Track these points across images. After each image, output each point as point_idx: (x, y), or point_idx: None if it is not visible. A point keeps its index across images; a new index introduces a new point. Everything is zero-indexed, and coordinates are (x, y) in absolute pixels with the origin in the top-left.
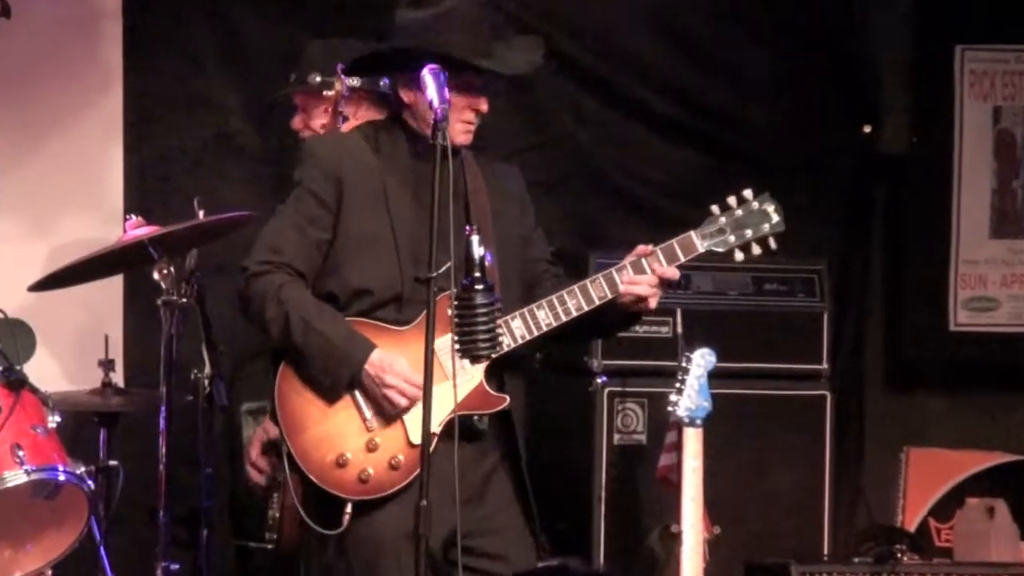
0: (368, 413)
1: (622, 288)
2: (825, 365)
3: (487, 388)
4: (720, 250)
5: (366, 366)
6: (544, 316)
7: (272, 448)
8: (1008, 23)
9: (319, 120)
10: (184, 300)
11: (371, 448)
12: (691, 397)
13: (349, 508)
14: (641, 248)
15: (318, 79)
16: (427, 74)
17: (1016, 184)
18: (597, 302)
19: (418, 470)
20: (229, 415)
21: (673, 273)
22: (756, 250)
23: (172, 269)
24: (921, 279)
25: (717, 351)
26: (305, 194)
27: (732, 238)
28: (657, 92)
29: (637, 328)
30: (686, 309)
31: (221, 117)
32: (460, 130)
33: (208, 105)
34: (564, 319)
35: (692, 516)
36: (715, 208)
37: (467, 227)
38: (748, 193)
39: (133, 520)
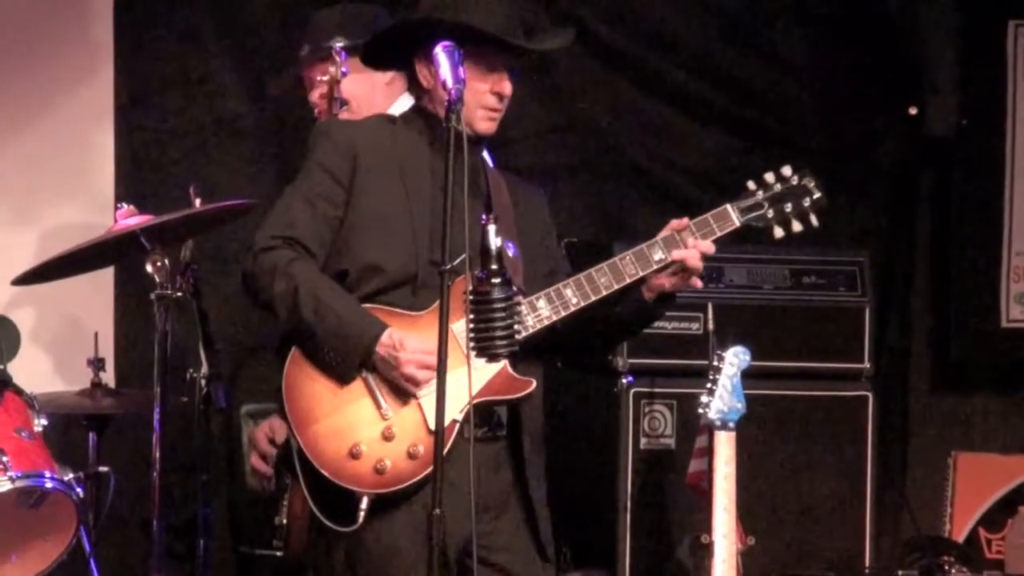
0: (383, 400)
1: (676, 255)
2: (867, 364)
3: (511, 372)
4: (759, 225)
5: (377, 347)
6: (571, 295)
7: (277, 450)
8: None
9: (349, 89)
10: (179, 294)
11: (387, 437)
12: (723, 398)
13: (365, 503)
14: (675, 222)
15: (342, 44)
16: (440, 51)
17: None
18: (628, 280)
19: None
20: (227, 418)
21: (709, 247)
22: (797, 227)
23: (166, 261)
24: (970, 272)
25: (751, 349)
26: (317, 170)
27: (771, 213)
28: (689, 72)
29: (666, 324)
30: (718, 303)
31: (219, 98)
32: (481, 116)
33: (205, 85)
34: (593, 298)
35: (724, 526)
36: (751, 184)
37: (484, 216)
38: (787, 170)
39: (125, 530)
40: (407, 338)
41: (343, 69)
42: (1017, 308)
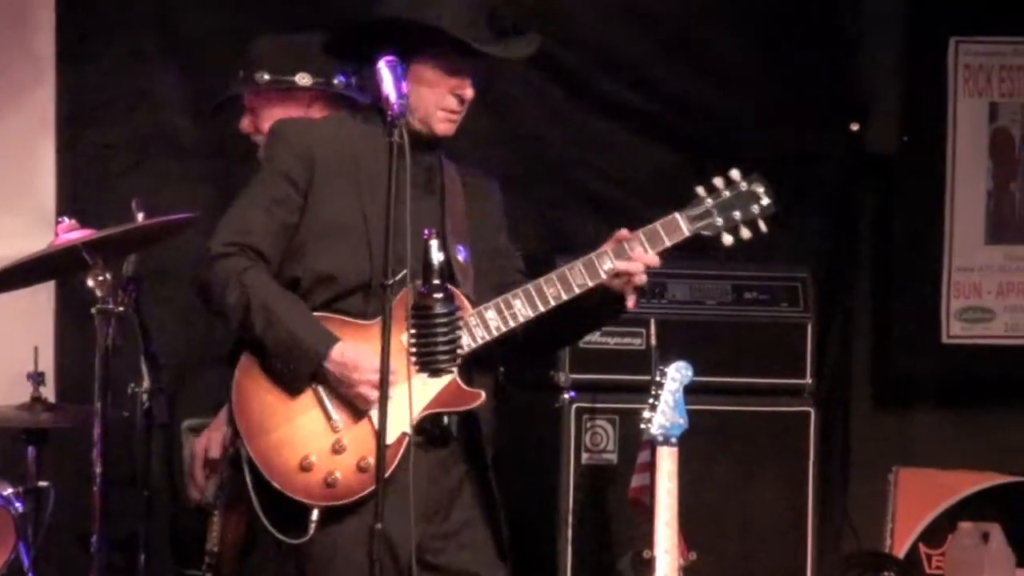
0: (333, 412)
1: (620, 266)
2: (809, 380)
3: (460, 384)
4: (708, 234)
5: (327, 363)
6: (520, 306)
7: (213, 466)
8: (1005, 14)
9: (269, 124)
10: (121, 309)
11: (337, 450)
12: (665, 413)
13: (315, 515)
14: (622, 232)
15: (267, 77)
16: (383, 66)
17: (1014, 186)
18: (577, 290)
19: (391, 468)
20: (169, 433)
21: (655, 259)
22: (746, 234)
23: (108, 275)
24: (912, 288)
25: (694, 364)
26: (274, 174)
27: (720, 220)
28: (631, 85)
29: (608, 340)
30: (661, 319)
31: (163, 112)
32: (441, 118)
33: (148, 99)
34: (542, 309)
35: (666, 541)
36: (700, 190)
37: (426, 231)
38: (735, 173)
39: (65, 546)
40: (361, 356)
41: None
42: (958, 324)
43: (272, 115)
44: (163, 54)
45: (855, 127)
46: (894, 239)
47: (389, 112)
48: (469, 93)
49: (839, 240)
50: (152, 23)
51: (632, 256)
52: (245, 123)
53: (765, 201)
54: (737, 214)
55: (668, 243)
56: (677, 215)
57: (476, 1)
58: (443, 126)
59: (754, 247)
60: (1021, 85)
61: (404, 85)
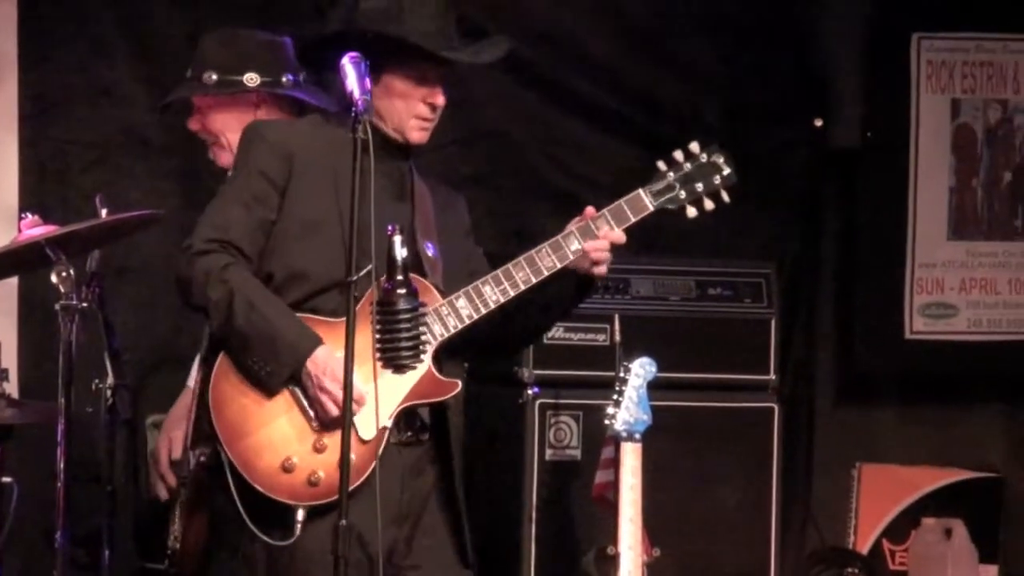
0: (313, 413)
1: (587, 246)
2: (773, 376)
3: (436, 374)
4: (672, 207)
5: (308, 362)
6: (491, 292)
7: (177, 465)
8: (968, 10)
9: (217, 124)
10: (84, 305)
11: (319, 449)
12: (629, 410)
13: (301, 515)
14: (588, 211)
15: (214, 78)
16: (347, 62)
17: (976, 182)
18: (546, 273)
19: (369, 469)
20: (133, 428)
21: (620, 237)
22: (709, 205)
23: (72, 272)
24: (875, 284)
25: (658, 360)
26: (252, 172)
27: (683, 194)
28: (595, 83)
29: (572, 335)
30: (624, 315)
31: (126, 109)
32: (414, 126)
33: (112, 96)
34: (512, 294)
35: (630, 537)
36: (662, 164)
37: (389, 227)
38: (695, 146)
39: (29, 541)
40: (338, 367)
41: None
42: (921, 320)
43: (220, 117)
44: (126, 50)
45: (818, 123)
46: (858, 235)
47: (353, 108)
48: (441, 100)
49: (803, 236)
50: (114, 19)
51: (599, 235)
52: (193, 122)
53: (726, 171)
54: (699, 186)
55: (634, 219)
56: (640, 191)
57: (442, 9)
58: (417, 134)
59: (718, 242)
60: (983, 81)
61: (368, 82)
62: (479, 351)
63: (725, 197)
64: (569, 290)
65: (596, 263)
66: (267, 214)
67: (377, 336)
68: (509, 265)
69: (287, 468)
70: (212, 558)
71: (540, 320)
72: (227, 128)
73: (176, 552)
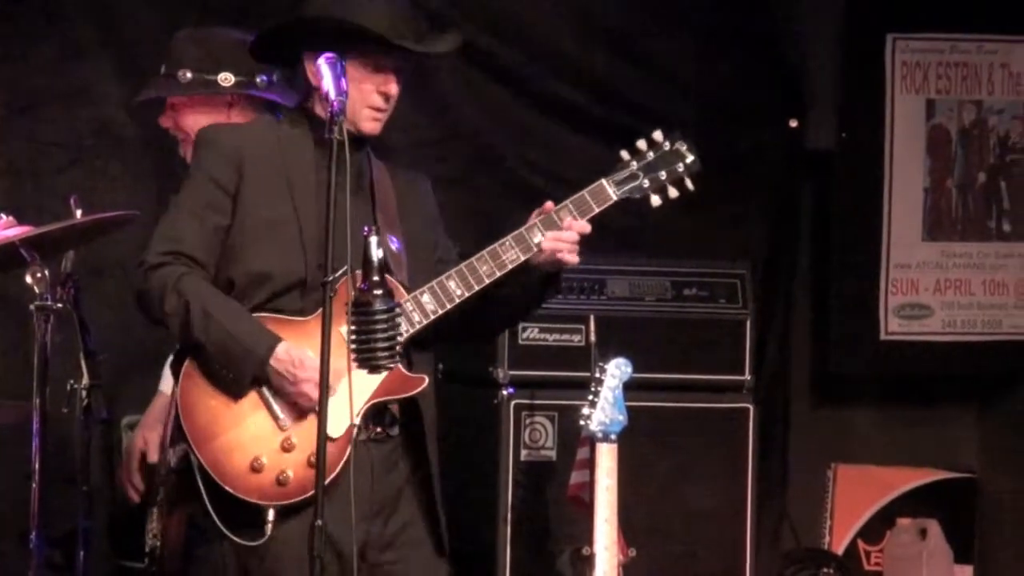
0: (279, 411)
1: (546, 244)
2: (748, 376)
3: (403, 370)
4: (636, 196)
5: (271, 362)
6: (455, 287)
7: (148, 468)
8: (942, 11)
9: (189, 122)
10: (60, 305)
11: (287, 448)
12: (605, 410)
13: (271, 515)
14: (549, 204)
15: (189, 76)
16: (323, 62)
17: (950, 183)
18: (510, 266)
19: (341, 464)
20: (108, 429)
21: (585, 227)
22: (673, 193)
23: (47, 272)
24: (850, 285)
25: (633, 361)
26: (202, 179)
27: (646, 183)
28: (570, 84)
29: (547, 336)
30: (600, 315)
31: (100, 108)
32: (367, 116)
33: (86, 95)
34: (476, 287)
35: (606, 538)
36: (624, 153)
37: (365, 228)
38: (658, 135)
39: (3, 543)
40: (305, 356)
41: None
42: (896, 321)
43: (193, 116)
44: (100, 49)
45: (793, 124)
46: (832, 236)
47: (329, 108)
48: (394, 90)
49: (778, 237)
50: (88, 17)
51: (563, 225)
52: (165, 119)
53: (689, 159)
54: (663, 174)
55: (597, 210)
56: (603, 180)
57: (399, 1)
58: (369, 124)
59: (693, 243)
60: (958, 82)
61: (344, 82)
62: (449, 342)
63: (689, 185)
64: (533, 287)
65: (560, 254)
66: (220, 220)
67: (352, 337)
68: (473, 260)
69: (256, 468)
70: (190, 559)
71: (506, 316)
72: (198, 126)
73: (156, 550)
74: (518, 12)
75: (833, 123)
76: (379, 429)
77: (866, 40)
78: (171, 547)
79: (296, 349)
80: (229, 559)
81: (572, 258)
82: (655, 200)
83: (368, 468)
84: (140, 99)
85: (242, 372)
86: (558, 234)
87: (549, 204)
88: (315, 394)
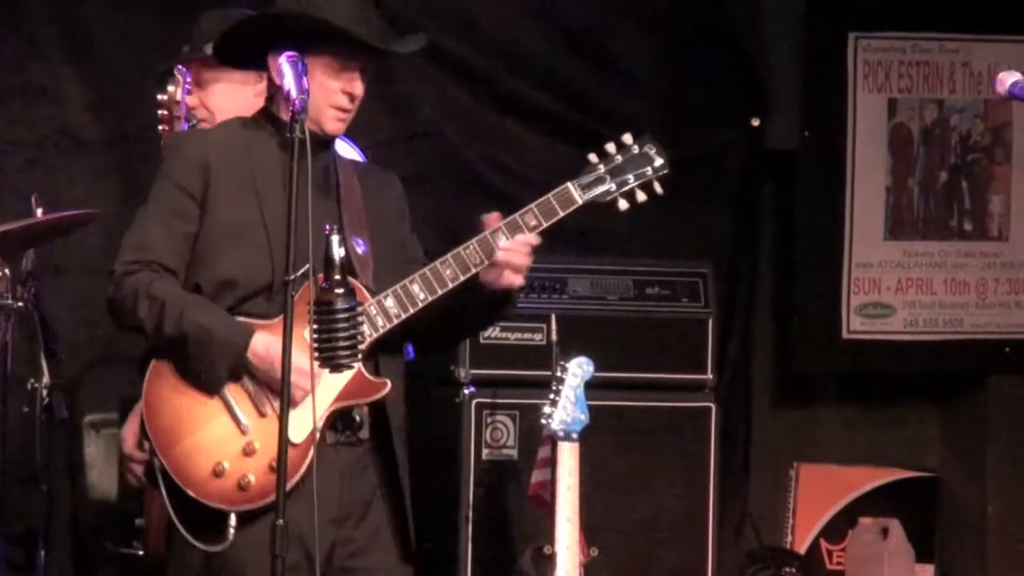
0: (241, 416)
1: (499, 255)
2: (710, 375)
3: (365, 374)
4: (603, 200)
5: (248, 353)
6: (419, 291)
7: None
8: (904, 9)
9: (216, 98)
10: (20, 304)
11: (248, 452)
12: (566, 409)
13: (233, 520)
14: (495, 215)
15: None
16: (284, 61)
17: (912, 182)
18: (474, 269)
19: (303, 469)
20: (69, 428)
21: (533, 239)
22: (641, 197)
23: (7, 271)
24: (812, 283)
25: (595, 360)
26: (169, 186)
27: (613, 186)
28: (533, 84)
29: (508, 335)
30: (561, 314)
31: (62, 108)
32: (331, 116)
33: (47, 95)
34: (440, 291)
35: (567, 537)
36: (592, 156)
37: (326, 226)
38: (627, 138)
39: None
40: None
41: (186, 86)
42: (858, 320)
43: (220, 90)
44: (61, 48)
45: (756, 122)
46: (795, 235)
47: (291, 107)
48: (359, 89)
49: (741, 236)
50: (49, 17)
51: (527, 229)
52: (191, 98)
53: (658, 162)
54: (630, 178)
55: (562, 213)
56: (569, 184)
57: (364, 2)
58: (333, 124)
59: (656, 242)
60: (920, 81)
61: (305, 81)
62: (412, 341)
63: (658, 189)
64: (483, 306)
65: (513, 267)
66: (188, 227)
67: (315, 336)
68: (437, 263)
69: (217, 473)
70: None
71: (471, 321)
72: (225, 102)
73: (143, 530)
74: (480, 12)
75: (795, 122)
76: (348, 433)
77: (828, 39)
78: (155, 526)
79: (271, 340)
80: (195, 563)
81: (517, 279)
82: (622, 204)
83: (336, 472)
84: (172, 65)
85: (219, 363)
86: (514, 241)
87: (495, 215)
88: (298, 379)
